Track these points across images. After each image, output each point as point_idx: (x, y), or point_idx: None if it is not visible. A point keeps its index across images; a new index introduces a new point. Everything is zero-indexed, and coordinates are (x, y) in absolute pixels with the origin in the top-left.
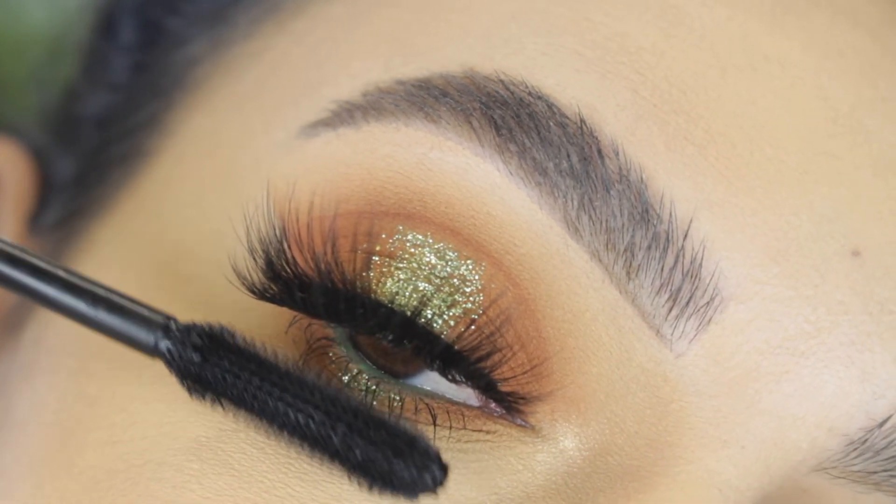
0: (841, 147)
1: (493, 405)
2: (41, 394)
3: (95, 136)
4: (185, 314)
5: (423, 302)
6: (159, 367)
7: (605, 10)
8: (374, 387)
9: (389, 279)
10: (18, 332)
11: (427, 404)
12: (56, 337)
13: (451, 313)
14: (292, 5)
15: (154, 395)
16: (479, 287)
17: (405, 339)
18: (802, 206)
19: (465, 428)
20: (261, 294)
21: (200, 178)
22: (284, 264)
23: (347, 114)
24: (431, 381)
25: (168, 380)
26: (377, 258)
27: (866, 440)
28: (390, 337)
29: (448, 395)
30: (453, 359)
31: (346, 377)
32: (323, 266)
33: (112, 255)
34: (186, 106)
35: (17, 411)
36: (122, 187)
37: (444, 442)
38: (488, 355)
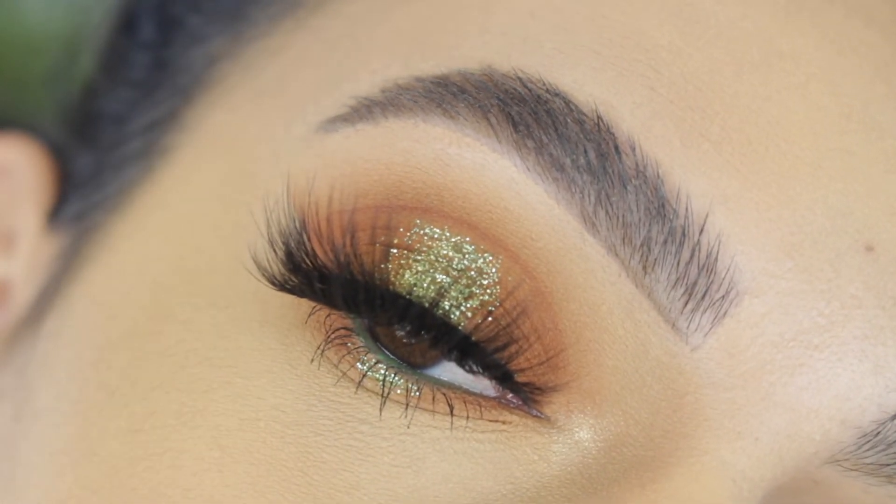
0: (854, 143)
1: (509, 396)
2: (62, 384)
3: (115, 132)
4: (205, 305)
5: (441, 293)
6: (178, 358)
7: (621, 8)
8: (392, 377)
9: (407, 271)
10: (38, 326)
11: (444, 394)
12: (75, 329)
13: (468, 305)
14: (311, 2)
15: (173, 384)
16: (496, 279)
17: (423, 330)
18: (816, 202)
19: (481, 418)
20: (281, 285)
21: (220, 173)
22: (304, 256)
23: (366, 110)
24: (449, 371)
25: (187, 369)
26: (395, 251)
27: (879, 433)
28: (408, 328)
29: (465, 386)
30: (470, 349)
31: (365, 367)
32: (342, 258)
33: (132, 248)
34: (205, 102)
35: (37, 402)
36: (142, 182)
37: (461, 432)
38: (505, 346)
